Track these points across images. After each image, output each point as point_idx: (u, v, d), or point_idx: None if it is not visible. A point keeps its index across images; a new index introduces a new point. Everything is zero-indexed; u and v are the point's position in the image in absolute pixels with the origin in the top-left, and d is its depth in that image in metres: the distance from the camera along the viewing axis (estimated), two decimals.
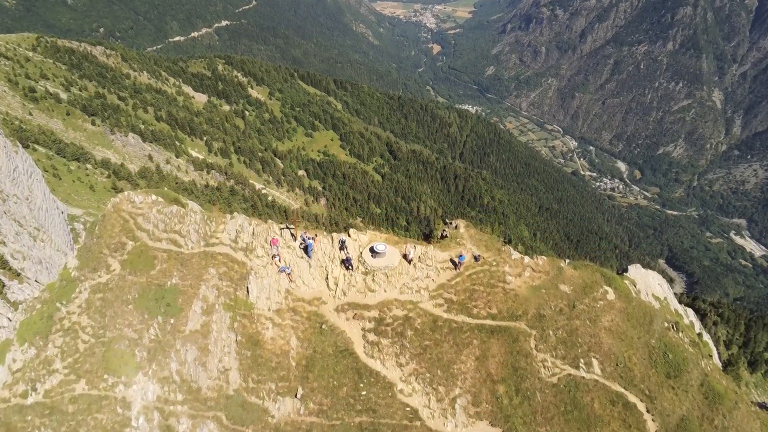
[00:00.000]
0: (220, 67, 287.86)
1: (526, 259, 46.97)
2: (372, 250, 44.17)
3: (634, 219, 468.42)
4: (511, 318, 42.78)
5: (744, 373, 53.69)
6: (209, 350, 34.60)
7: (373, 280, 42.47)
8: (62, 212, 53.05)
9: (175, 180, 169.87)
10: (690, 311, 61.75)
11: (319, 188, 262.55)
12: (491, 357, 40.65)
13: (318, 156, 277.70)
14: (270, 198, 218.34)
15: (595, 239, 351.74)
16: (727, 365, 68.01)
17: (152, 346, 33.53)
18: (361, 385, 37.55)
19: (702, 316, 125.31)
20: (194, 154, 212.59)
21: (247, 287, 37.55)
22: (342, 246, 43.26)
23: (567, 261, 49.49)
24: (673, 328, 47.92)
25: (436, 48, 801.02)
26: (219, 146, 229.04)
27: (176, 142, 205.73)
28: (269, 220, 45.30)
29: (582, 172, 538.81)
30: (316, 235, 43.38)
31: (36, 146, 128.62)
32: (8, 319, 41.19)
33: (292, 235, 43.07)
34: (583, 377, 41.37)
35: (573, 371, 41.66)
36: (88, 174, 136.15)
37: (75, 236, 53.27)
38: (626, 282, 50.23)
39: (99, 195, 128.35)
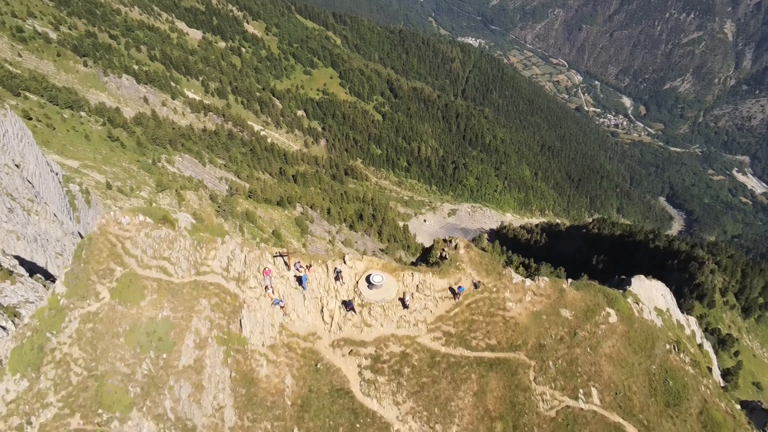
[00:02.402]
0: (214, 1, 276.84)
1: (528, 282, 45.99)
2: (368, 281, 42.78)
3: (637, 156, 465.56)
4: (510, 349, 42.24)
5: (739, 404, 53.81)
6: (203, 386, 34.00)
7: (369, 313, 41.40)
8: (57, 174, 51.09)
9: (171, 125, 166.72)
10: (692, 320, 61.85)
11: (319, 129, 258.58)
12: (489, 392, 40.44)
13: (317, 95, 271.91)
14: (269, 140, 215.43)
15: (596, 178, 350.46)
16: (727, 374, 68.64)
17: (145, 381, 32.89)
18: (358, 425, 37.29)
19: (700, 264, 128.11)
20: (190, 95, 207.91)
21: (240, 321, 36.45)
22: (337, 276, 41.73)
23: (569, 281, 48.26)
24: (674, 349, 47.49)
25: None
26: (216, 86, 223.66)
27: (171, 83, 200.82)
28: (262, 245, 43.58)
29: (586, 108, 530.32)
30: (310, 265, 41.65)
31: (27, 93, 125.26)
32: (2, 328, 40.27)
33: (286, 264, 41.40)
34: (582, 409, 41.28)
35: (571, 402, 41.52)
36: (83, 122, 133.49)
37: (71, 199, 51.35)
38: (629, 300, 49.43)
39: (95, 145, 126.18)
